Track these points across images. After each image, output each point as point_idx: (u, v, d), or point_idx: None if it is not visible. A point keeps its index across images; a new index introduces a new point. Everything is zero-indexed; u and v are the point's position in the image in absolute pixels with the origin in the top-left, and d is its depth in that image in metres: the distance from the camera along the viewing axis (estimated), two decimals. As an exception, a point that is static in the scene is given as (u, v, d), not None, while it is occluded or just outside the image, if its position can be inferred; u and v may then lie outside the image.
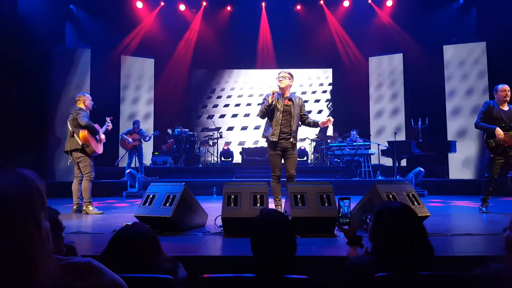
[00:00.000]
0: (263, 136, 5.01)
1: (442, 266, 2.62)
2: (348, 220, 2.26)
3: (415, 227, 1.66)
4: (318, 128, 12.84)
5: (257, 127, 13.75)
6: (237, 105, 14.19)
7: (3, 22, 8.25)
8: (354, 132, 10.46)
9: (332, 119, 4.85)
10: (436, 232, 3.73)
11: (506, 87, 5.31)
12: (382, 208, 1.78)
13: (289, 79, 4.89)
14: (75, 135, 5.60)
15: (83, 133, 5.58)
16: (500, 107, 5.31)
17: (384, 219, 1.72)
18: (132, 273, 1.50)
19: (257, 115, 5.05)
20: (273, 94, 4.75)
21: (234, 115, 14.12)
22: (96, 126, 5.83)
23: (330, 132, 13.13)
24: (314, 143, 12.13)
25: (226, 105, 14.18)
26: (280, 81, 4.85)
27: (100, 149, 5.80)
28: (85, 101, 5.85)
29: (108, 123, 6.07)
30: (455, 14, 10.93)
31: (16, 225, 0.80)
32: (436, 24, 10.92)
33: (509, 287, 1.45)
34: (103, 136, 5.95)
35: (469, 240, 3.52)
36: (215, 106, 14.18)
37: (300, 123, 5.01)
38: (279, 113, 4.81)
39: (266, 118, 4.98)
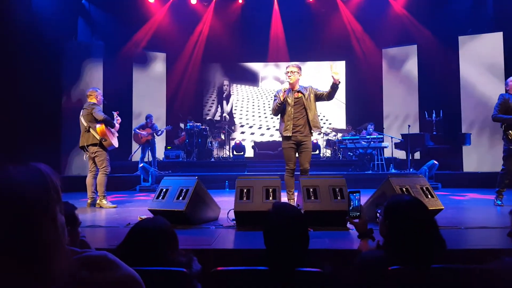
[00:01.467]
0: (279, 132, 5.02)
1: (456, 259, 2.60)
2: (358, 213, 2.25)
3: (425, 220, 1.65)
4: (331, 123, 12.78)
5: (269, 122, 13.74)
6: (250, 98, 14.16)
7: (18, 18, 8.37)
8: (371, 126, 10.36)
9: (333, 69, 4.63)
10: (450, 225, 3.70)
11: None
12: (392, 202, 1.78)
13: (298, 73, 4.88)
14: (91, 130, 5.65)
15: (100, 127, 5.65)
16: (515, 98, 5.24)
17: (393, 213, 1.71)
18: (147, 266, 1.52)
19: (270, 113, 5.02)
20: (284, 91, 4.76)
21: (247, 109, 14.10)
22: None
23: (343, 125, 13.04)
24: (327, 136, 12.07)
25: (239, 99, 14.17)
26: (289, 76, 4.84)
27: (116, 142, 5.88)
28: (97, 96, 5.91)
29: (117, 118, 6.10)
30: (471, 3, 10.67)
31: (31, 219, 0.80)
32: (451, 14, 10.68)
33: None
34: (115, 131, 6.03)
35: (483, 233, 3.48)
36: (228, 100, 14.18)
37: (327, 100, 4.92)
38: (290, 107, 4.82)
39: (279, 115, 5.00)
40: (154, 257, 1.60)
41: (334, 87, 4.71)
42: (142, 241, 1.66)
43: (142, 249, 1.62)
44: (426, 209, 1.69)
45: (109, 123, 5.77)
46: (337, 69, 4.66)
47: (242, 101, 14.15)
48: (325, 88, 4.94)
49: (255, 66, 14.16)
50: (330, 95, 4.83)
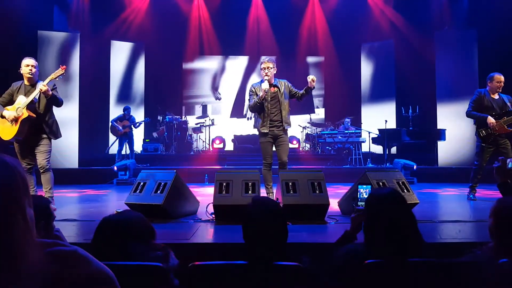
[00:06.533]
0: (254, 127, 5.04)
1: (430, 253, 2.66)
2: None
3: (404, 212, 1.69)
4: (310, 117, 12.85)
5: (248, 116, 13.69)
6: (229, 91, 14.03)
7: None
8: (348, 120, 10.50)
9: (312, 77, 4.78)
10: (425, 219, 3.78)
11: (502, 77, 5.28)
12: (373, 195, 1.82)
13: (273, 67, 4.89)
14: None
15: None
16: (491, 96, 5.33)
17: (374, 205, 1.74)
18: (123, 261, 1.49)
19: (249, 110, 5.02)
20: (265, 91, 4.74)
21: (226, 102, 14.00)
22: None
23: (322, 119, 13.14)
24: (306, 130, 12.13)
25: (218, 91, 14.03)
26: (266, 74, 4.80)
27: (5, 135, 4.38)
28: (21, 69, 4.52)
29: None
30: (447, 1, 10.89)
31: (0, 214, 0.78)
32: (428, 11, 10.88)
33: (491, 272, 1.48)
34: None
35: (457, 227, 3.57)
36: (207, 92, 14.03)
37: (297, 100, 5.05)
38: (267, 103, 4.85)
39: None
40: (129, 251, 1.57)
41: (308, 91, 4.87)
42: (116, 235, 1.62)
43: (116, 243, 1.59)
44: (405, 201, 1.73)
45: None
46: (313, 82, 4.80)
47: (220, 93, 13.97)
48: (299, 88, 5.04)
49: (232, 58, 13.95)
50: (302, 97, 4.98)
